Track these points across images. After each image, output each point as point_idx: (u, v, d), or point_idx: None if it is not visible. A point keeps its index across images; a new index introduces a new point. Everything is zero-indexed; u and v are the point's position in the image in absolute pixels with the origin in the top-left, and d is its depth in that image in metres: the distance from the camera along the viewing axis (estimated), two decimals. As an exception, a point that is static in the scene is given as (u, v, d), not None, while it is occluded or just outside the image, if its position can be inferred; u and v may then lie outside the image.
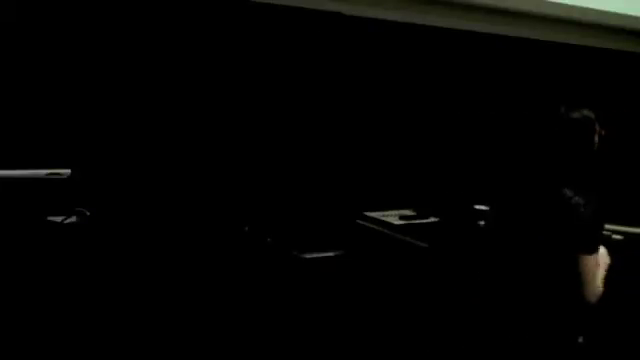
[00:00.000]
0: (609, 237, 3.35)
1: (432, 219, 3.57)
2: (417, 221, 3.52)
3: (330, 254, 3.25)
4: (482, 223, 2.86)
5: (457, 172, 4.06)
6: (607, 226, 3.38)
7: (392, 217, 3.56)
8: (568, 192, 2.29)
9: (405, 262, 3.27)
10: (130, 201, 3.14)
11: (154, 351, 2.98)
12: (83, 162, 2.98)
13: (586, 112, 2.42)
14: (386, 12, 3.82)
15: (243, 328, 3.12)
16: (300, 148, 3.61)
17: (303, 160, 3.60)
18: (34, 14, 3.00)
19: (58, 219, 2.73)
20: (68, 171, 2.78)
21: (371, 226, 3.51)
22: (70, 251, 2.77)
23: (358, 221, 3.54)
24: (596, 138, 2.41)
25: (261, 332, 3.11)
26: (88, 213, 2.76)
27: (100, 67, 3.13)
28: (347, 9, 3.67)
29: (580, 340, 2.42)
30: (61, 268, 2.75)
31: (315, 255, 3.21)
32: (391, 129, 3.91)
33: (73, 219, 2.74)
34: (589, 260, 2.27)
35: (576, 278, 2.27)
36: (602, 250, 2.44)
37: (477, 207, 3.54)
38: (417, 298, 3.26)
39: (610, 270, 2.97)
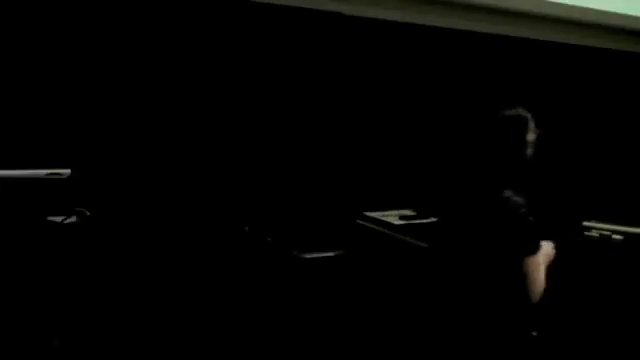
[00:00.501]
0: (609, 237, 3.35)
1: (432, 219, 3.57)
2: (417, 221, 3.52)
3: (330, 254, 3.25)
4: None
5: (457, 172, 4.06)
6: (607, 226, 3.40)
7: (392, 217, 3.56)
8: (507, 193, 2.30)
9: (405, 262, 3.27)
10: (130, 201, 3.14)
11: (154, 351, 2.98)
12: (83, 162, 2.98)
13: (520, 111, 2.39)
14: (386, 12, 3.82)
15: (243, 328, 3.12)
16: (300, 148, 3.61)
17: (303, 160, 3.60)
18: (34, 14, 3.00)
19: (58, 219, 2.73)
20: (68, 171, 2.78)
21: (371, 226, 3.51)
22: (70, 251, 2.77)
23: (358, 221, 3.54)
24: (530, 137, 2.38)
25: (261, 332, 3.12)
26: (88, 213, 2.76)
27: (100, 67, 3.13)
28: (347, 9, 3.67)
29: (534, 334, 2.43)
30: (61, 268, 2.75)
31: (315, 255, 3.21)
32: (391, 129, 3.91)
33: (73, 219, 2.74)
34: (533, 261, 2.31)
35: (521, 279, 2.30)
36: (544, 244, 2.46)
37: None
38: (417, 298, 3.25)
39: (610, 270, 2.98)
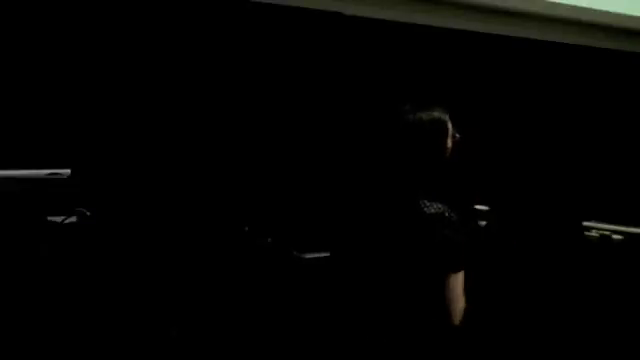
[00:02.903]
0: (609, 237, 3.35)
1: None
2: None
3: (330, 254, 3.25)
4: (482, 223, 2.83)
5: (457, 172, 4.06)
6: (607, 226, 3.39)
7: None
8: (425, 203, 2.03)
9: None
10: (130, 201, 3.14)
11: (154, 351, 2.98)
12: (83, 162, 2.98)
13: (437, 113, 2.14)
14: (386, 12, 3.82)
15: (243, 328, 3.12)
16: (300, 148, 3.61)
17: (303, 160, 3.60)
18: (34, 14, 3.00)
19: (58, 219, 2.73)
20: (68, 171, 2.78)
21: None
22: (70, 251, 2.77)
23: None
24: (448, 141, 2.14)
25: (261, 332, 3.11)
26: (88, 213, 2.76)
27: (100, 67, 3.13)
28: (347, 9, 3.67)
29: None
30: (61, 268, 2.75)
31: (315, 255, 3.21)
32: (391, 129, 3.90)
33: (73, 219, 2.74)
34: (456, 278, 2.02)
35: (441, 299, 2.03)
36: None
37: (477, 207, 3.53)
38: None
39: (610, 270, 2.98)
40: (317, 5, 3.57)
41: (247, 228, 3.28)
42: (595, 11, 4.47)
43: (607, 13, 4.51)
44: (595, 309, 3.46)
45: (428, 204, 2.03)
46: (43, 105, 3.02)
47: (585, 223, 3.44)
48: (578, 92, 4.54)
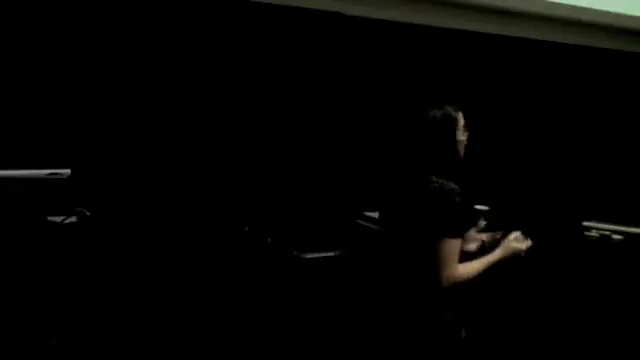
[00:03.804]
0: (609, 237, 3.35)
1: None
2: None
3: (330, 254, 3.25)
4: (482, 223, 2.85)
5: (457, 172, 4.06)
6: (607, 226, 3.39)
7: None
8: (434, 178, 2.28)
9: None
10: (130, 201, 3.14)
11: (154, 351, 2.98)
12: (83, 162, 2.98)
13: (447, 108, 2.38)
14: (386, 12, 3.82)
15: (243, 328, 3.12)
16: (300, 148, 3.61)
17: (303, 160, 3.60)
18: (34, 14, 3.00)
19: (58, 219, 2.73)
20: (68, 171, 2.78)
21: (371, 226, 3.51)
22: (70, 251, 2.77)
23: (358, 221, 3.54)
24: (459, 134, 2.38)
25: (261, 332, 3.12)
26: (88, 213, 2.76)
27: (100, 67, 3.13)
28: (347, 9, 3.67)
29: (463, 335, 2.36)
30: (61, 268, 2.75)
31: (315, 255, 3.21)
32: (391, 129, 3.90)
33: (73, 219, 2.74)
34: (450, 243, 2.22)
35: (433, 260, 2.24)
36: (513, 235, 2.47)
37: (477, 207, 3.53)
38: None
39: (610, 270, 2.98)
40: (317, 5, 3.57)
41: (247, 228, 3.28)
42: (595, 11, 4.47)
43: (607, 13, 4.52)
44: (595, 309, 3.46)
45: (435, 179, 2.28)
46: (43, 105, 3.02)
47: (585, 223, 3.44)
48: (578, 92, 4.54)
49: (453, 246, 2.23)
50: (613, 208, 3.76)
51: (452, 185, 2.27)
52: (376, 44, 3.85)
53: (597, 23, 4.53)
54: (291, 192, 3.54)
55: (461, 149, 2.40)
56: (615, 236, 3.33)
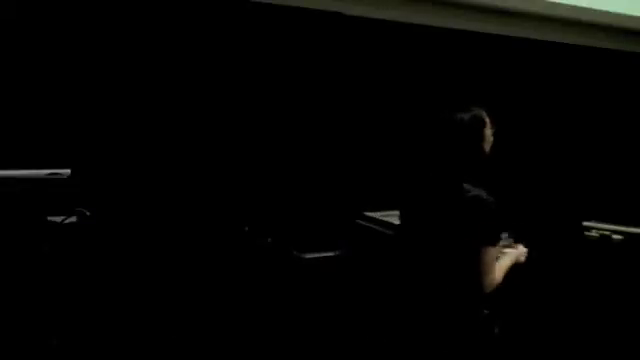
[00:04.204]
0: (609, 237, 3.35)
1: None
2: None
3: (330, 254, 3.25)
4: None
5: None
6: (607, 226, 3.39)
7: (392, 217, 3.56)
8: (466, 187, 2.35)
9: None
10: (130, 201, 3.14)
11: (154, 351, 2.98)
12: (83, 162, 2.98)
13: (475, 111, 2.44)
14: (386, 12, 3.82)
15: (243, 328, 3.12)
16: (300, 148, 3.61)
17: (303, 160, 3.60)
18: (34, 14, 3.00)
19: (58, 219, 2.73)
20: (68, 171, 2.78)
21: (371, 226, 3.51)
22: (70, 251, 2.77)
23: (358, 221, 3.54)
24: (487, 134, 2.44)
25: (261, 332, 3.12)
26: (88, 213, 2.76)
27: (100, 67, 3.13)
28: (347, 9, 3.67)
29: (496, 331, 2.44)
30: (61, 268, 2.75)
31: (315, 255, 3.21)
32: (391, 129, 3.91)
33: (73, 219, 2.74)
34: (490, 251, 2.33)
35: (476, 269, 2.32)
36: (517, 247, 2.57)
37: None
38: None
39: (610, 270, 2.98)
40: (317, 5, 3.57)
41: (247, 228, 3.28)
42: (595, 11, 4.47)
43: (607, 13, 4.52)
44: (595, 309, 3.46)
45: (469, 188, 2.34)
46: (43, 105, 3.02)
47: (585, 223, 3.44)
48: (578, 92, 4.55)
49: (493, 253, 2.35)
50: (613, 208, 3.76)
51: (486, 194, 2.33)
52: (376, 44, 3.85)
53: (597, 23, 4.53)
54: (291, 192, 3.54)
55: (488, 148, 2.46)
56: (615, 236, 3.33)
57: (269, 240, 3.25)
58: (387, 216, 3.58)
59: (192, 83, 3.32)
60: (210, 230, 3.23)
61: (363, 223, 3.53)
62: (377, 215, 3.59)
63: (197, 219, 3.24)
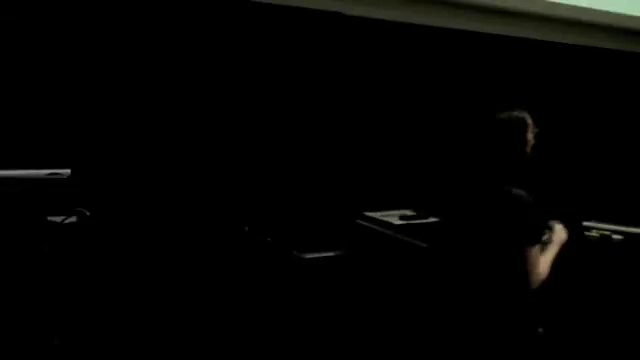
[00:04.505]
0: (609, 237, 3.35)
1: (432, 219, 3.57)
2: (417, 221, 3.52)
3: (330, 254, 3.25)
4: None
5: (457, 172, 4.06)
6: (607, 226, 3.39)
7: (392, 217, 3.56)
8: (507, 187, 2.41)
9: (405, 262, 3.27)
10: (130, 201, 3.14)
11: (154, 351, 2.98)
12: (83, 162, 2.98)
13: (516, 113, 2.51)
14: (386, 12, 3.82)
15: (243, 328, 3.12)
16: (300, 148, 3.61)
17: (303, 160, 3.60)
18: (34, 14, 3.00)
19: (58, 219, 2.73)
20: (68, 171, 2.78)
21: (371, 226, 3.51)
22: (70, 251, 2.77)
23: (358, 221, 3.54)
24: (529, 136, 2.50)
25: (261, 332, 3.11)
26: (88, 213, 2.76)
27: (100, 67, 3.13)
28: (347, 9, 3.67)
29: (540, 330, 2.49)
30: (61, 268, 2.75)
31: (315, 255, 3.21)
32: (391, 129, 3.91)
33: (73, 219, 2.74)
34: (535, 249, 2.40)
35: (521, 268, 2.39)
36: (557, 227, 2.63)
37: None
38: (417, 298, 3.26)
39: (610, 270, 2.99)
40: (317, 5, 3.57)
41: (247, 228, 3.28)
42: (595, 11, 4.47)
43: (607, 13, 4.52)
44: (595, 309, 3.46)
45: (511, 189, 2.40)
46: (43, 105, 3.02)
47: (585, 223, 3.45)
48: (578, 92, 4.54)
49: (537, 251, 2.41)
50: (613, 208, 3.76)
51: (527, 194, 2.40)
52: (376, 44, 3.85)
53: (597, 23, 4.53)
54: (291, 192, 3.54)
55: (530, 149, 2.51)
56: (615, 236, 3.33)
57: (269, 240, 3.25)
58: (387, 216, 3.59)
59: (192, 83, 3.32)
60: (210, 230, 3.23)
61: (363, 223, 3.53)
62: (377, 215, 3.59)
63: (197, 219, 3.24)
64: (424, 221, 3.53)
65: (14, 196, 2.69)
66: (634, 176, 4.50)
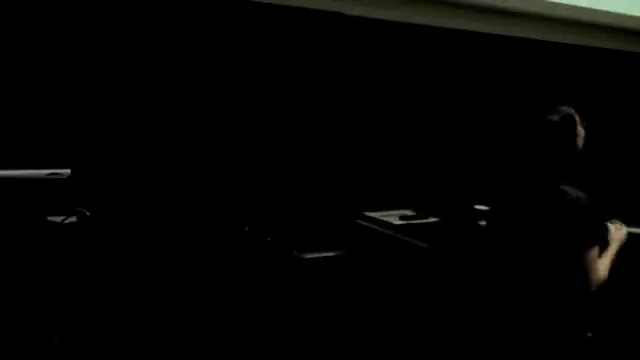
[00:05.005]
0: None
1: (432, 219, 3.57)
2: (417, 221, 3.52)
3: (330, 254, 3.25)
4: (483, 223, 2.88)
5: (456, 172, 4.07)
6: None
7: (392, 217, 3.56)
8: (564, 188, 2.39)
9: (405, 262, 3.27)
10: (130, 201, 3.14)
11: (154, 351, 2.98)
12: (83, 162, 2.98)
13: (565, 110, 2.48)
14: (386, 12, 3.82)
15: (243, 328, 3.12)
16: (300, 148, 3.61)
17: (303, 160, 3.60)
18: (34, 14, 3.00)
19: (58, 219, 2.73)
20: (68, 171, 2.78)
21: (371, 226, 3.51)
22: (70, 251, 2.77)
23: (358, 221, 3.54)
24: (579, 131, 2.49)
25: (261, 332, 3.11)
26: (88, 213, 2.76)
27: (100, 67, 3.13)
28: (347, 9, 3.67)
29: (589, 335, 2.48)
30: (61, 268, 2.75)
31: (315, 255, 3.21)
32: (391, 129, 3.91)
33: (73, 219, 2.74)
34: (594, 251, 2.38)
35: (579, 271, 2.37)
36: (612, 227, 2.64)
37: (477, 207, 3.54)
38: (417, 298, 3.26)
39: (609, 270, 2.98)
40: (317, 5, 3.57)
41: (247, 228, 3.28)
42: (595, 11, 4.47)
43: (607, 13, 4.51)
44: (595, 308, 3.45)
45: (568, 190, 2.39)
46: (43, 105, 3.02)
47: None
48: (578, 92, 4.54)
49: (596, 253, 2.40)
50: (613, 208, 3.76)
51: (584, 195, 2.39)
52: (376, 44, 3.85)
53: (597, 23, 4.52)
54: (291, 192, 3.54)
55: (581, 146, 2.49)
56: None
57: (269, 240, 3.25)
58: (387, 216, 3.59)
59: (192, 83, 3.32)
60: (210, 230, 3.23)
61: (363, 223, 3.53)
62: (377, 215, 3.59)
63: (197, 219, 3.24)
64: (424, 221, 3.54)
65: (14, 196, 2.69)
66: (634, 176, 4.49)
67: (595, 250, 2.39)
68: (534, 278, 2.42)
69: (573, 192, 2.39)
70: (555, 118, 2.44)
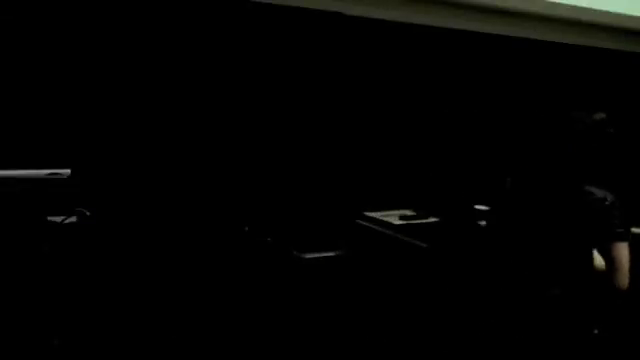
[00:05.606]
0: None
1: (432, 219, 3.57)
2: (417, 221, 3.52)
3: (330, 254, 3.25)
4: (483, 223, 2.88)
5: (456, 172, 4.07)
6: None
7: (392, 217, 3.56)
8: (589, 189, 2.43)
9: (405, 262, 3.27)
10: (130, 201, 3.14)
11: (154, 351, 2.98)
12: (83, 162, 2.98)
13: (594, 112, 2.60)
14: (386, 12, 3.82)
15: (243, 328, 3.12)
16: (300, 148, 3.61)
17: (303, 160, 3.60)
18: (34, 14, 3.00)
19: (58, 219, 2.73)
20: (68, 171, 2.78)
21: (371, 226, 3.51)
22: (70, 251, 2.77)
23: (358, 221, 3.54)
24: (607, 135, 2.58)
25: (261, 332, 3.11)
26: (88, 213, 2.76)
27: (100, 67, 3.13)
28: (347, 9, 3.67)
29: (595, 332, 2.48)
30: (61, 268, 2.75)
31: (315, 255, 3.22)
32: (391, 129, 3.91)
33: (73, 219, 2.74)
34: (623, 247, 2.39)
35: (610, 266, 2.37)
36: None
37: (477, 207, 3.54)
38: (417, 298, 3.26)
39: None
40: (317, 5, 3.57)
41: (247, 228, 3.28)
42: (595, 11, 4.47)
43: (607, 13, 4.51)
44: (595, 308, 3.45)
45: (593, 190, 2.44)
46: (43, 105, 3.02)
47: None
48: (578, 92, 4.54)
49: (626, 250, 2.41)
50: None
51: (610, 194, 2.44)
52: (376, 44, 3.85)
53: (597, 23, 4.52)
54: (291, 192, 3.54)
55: (607, 148, 2.56)
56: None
57: (269, 240, 3.25)
58: (387, 216, 3.59)
59: (192, 83, 3.32)
60: (210, 230, 3.23)
61: (363, 223, 3.53)
62: (377, 215, 3.59)
63: (197, 219, 3.24)
64: (424, 221, 3.54)
65: (14, 196, 2.69)
66: (634, 176, 4.49)
67: (626, 246, 2.39)
68: (548, 274, 2.43)
69: (599, 192, 2.43)
70: (583, 120, 2.54)
